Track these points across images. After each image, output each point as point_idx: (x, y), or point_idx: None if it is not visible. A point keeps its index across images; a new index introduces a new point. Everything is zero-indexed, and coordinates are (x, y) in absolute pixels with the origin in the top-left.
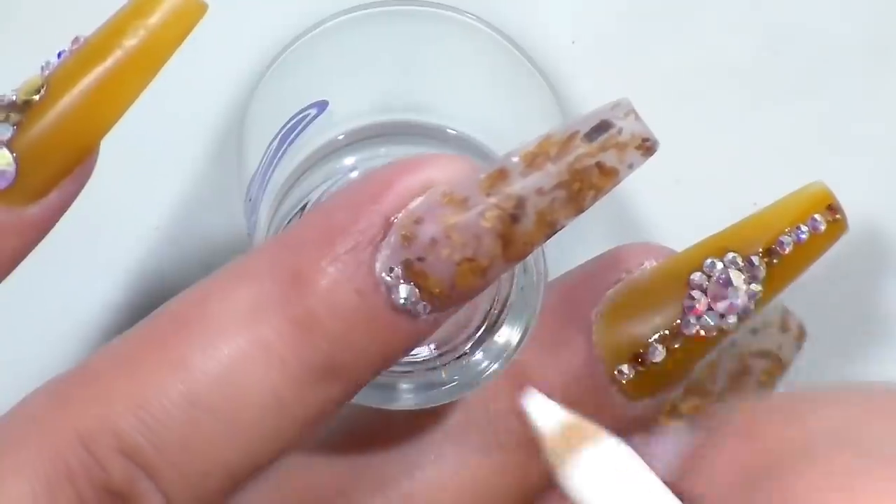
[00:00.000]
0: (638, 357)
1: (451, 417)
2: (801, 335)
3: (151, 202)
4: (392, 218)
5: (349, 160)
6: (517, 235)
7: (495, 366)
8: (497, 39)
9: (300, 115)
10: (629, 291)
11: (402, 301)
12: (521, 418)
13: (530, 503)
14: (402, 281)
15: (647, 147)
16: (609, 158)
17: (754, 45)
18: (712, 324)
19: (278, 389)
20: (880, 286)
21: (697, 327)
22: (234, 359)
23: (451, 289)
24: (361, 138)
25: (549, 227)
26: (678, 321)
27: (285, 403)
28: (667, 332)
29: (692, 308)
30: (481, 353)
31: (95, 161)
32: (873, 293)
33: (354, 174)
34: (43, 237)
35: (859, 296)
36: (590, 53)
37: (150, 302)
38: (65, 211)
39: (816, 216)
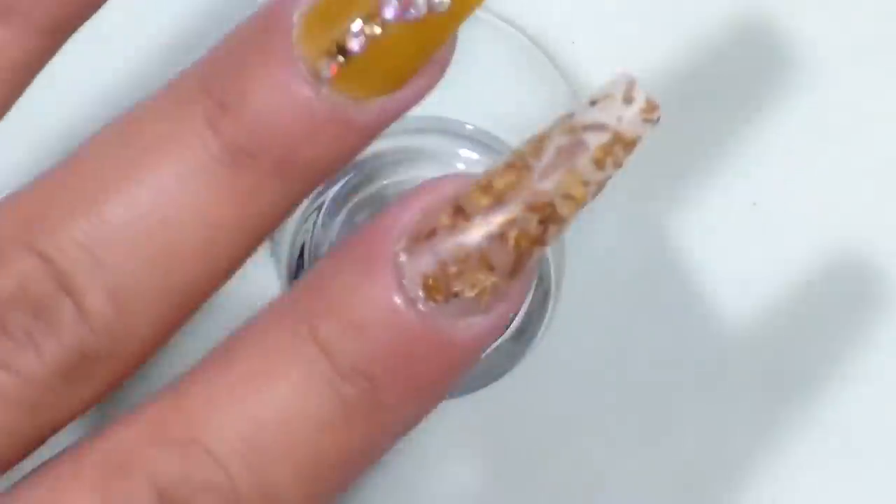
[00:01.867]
0: (338, 48)
1: None
2: (651, 109)
3: None
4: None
5: (368, 154)
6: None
7: (509, 366)
8: (511, 32)
9: None
10: None
11: None
12: None
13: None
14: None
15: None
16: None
17: (754, 44)
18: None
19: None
20: (881, 277)
21: (397, 9)
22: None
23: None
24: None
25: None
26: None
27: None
28: (367, 19)
29: None
30: (496, 348)
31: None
32: (874, 282)
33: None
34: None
35: (856, 293)
36: (589, 52)
37: None
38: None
39: None
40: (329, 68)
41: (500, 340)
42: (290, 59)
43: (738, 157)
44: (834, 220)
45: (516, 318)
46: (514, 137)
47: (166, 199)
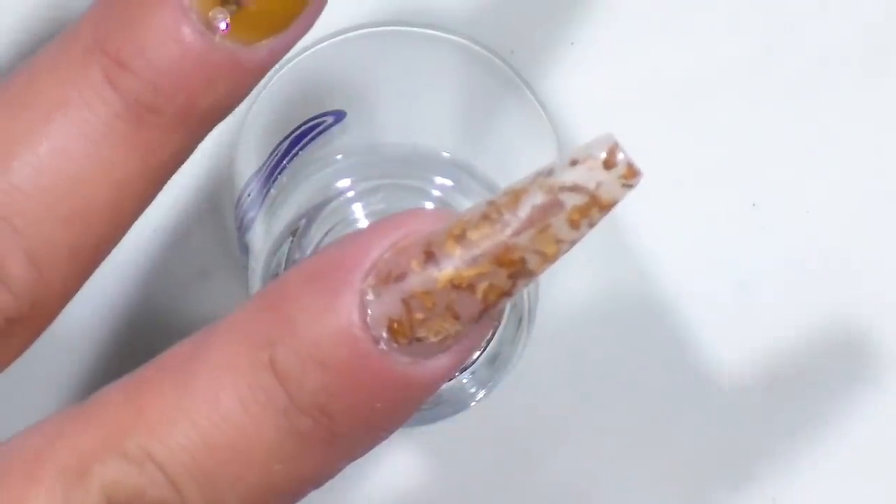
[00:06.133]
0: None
1: None
2: (632, 174)
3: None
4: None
5: (343, 182)
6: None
7: (482, 393)
8: (488, 58)
9: (316, 121)
10: None
11: None
12: None
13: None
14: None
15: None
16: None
17: (753, 45)
18: None
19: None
20: (874, 282)
21: None
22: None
23: None
24: (359, 158)
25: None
26: None
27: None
28: None
29: None
30: (470, 375)
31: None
32: (875, 282)
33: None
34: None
35: (855, 294)
36: (589, 54)
37: (143, 304)
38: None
39: None
40: (223, 20)
41: (474, 367)
42: (182, 10)
43: (738, 157)
44: (834, 221)
45: (490, 344)
46: (490, 165)
47: (75, 160)
